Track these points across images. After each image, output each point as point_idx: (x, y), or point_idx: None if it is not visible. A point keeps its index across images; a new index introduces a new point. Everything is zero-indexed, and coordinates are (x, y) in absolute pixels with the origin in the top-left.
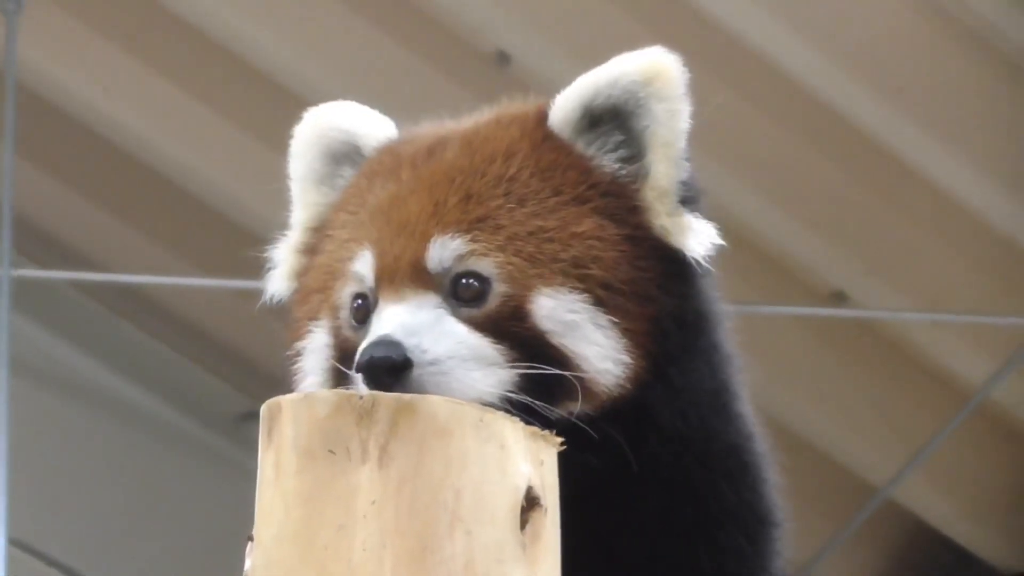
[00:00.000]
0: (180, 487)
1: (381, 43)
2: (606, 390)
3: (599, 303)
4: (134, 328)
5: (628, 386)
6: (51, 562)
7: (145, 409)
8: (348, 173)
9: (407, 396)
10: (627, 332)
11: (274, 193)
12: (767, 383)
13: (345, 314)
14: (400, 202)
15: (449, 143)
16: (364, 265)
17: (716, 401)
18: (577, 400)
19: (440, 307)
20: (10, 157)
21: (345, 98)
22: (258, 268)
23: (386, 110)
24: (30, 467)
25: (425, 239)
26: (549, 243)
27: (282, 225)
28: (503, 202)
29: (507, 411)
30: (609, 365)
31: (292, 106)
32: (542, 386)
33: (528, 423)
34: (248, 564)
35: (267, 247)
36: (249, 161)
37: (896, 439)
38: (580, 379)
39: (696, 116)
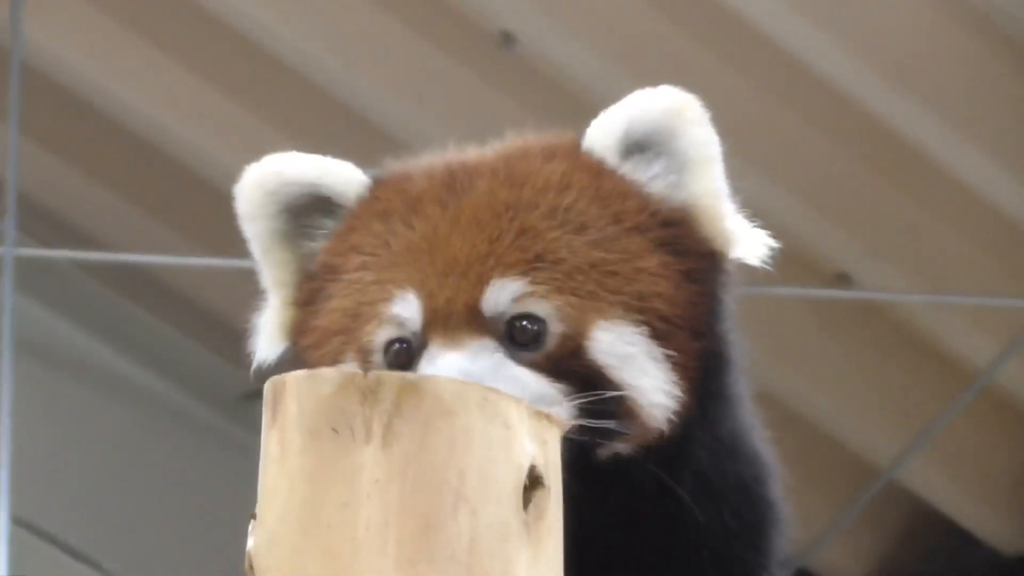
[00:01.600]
0: (183, 466)
1: (382, 21)
2: (657, 425)
3: (656, 336)
4: (137, 308)
5: (676, 421)
6: (54, 541)
7: (148, 388)
8: (324, 223)
9: (411, 375)
10: (678, 367)
11: None
12: (771, 364)
13: (379, 358)
14: (442, 240)
15: (475, 176)
16: (407, 309)
17: (737, 441)
18: (628, 434)
19: (498, 351)
20: (14, 136)
21: (350, 76)
22: None
23: (386, 89)
24: (33, 446)
25: (483, 281)
26: (611, 277)
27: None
28: (560, 233)
29: (565, 451)
30: (663, 399)
31: (297, 86)
32: (598, 419)
33: (581, 467)
34: (251, 542)
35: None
36: (254, 141)
37: (900, 421)
38: (634, 411)
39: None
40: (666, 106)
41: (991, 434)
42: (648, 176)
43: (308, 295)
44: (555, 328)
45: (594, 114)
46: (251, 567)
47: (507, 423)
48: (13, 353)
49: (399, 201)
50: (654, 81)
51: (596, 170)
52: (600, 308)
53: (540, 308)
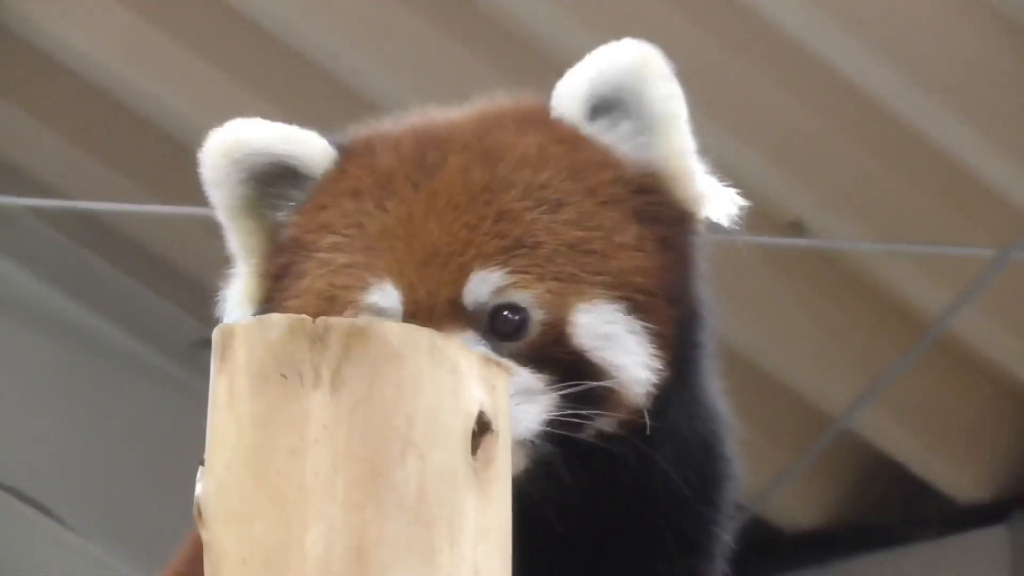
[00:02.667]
0: (138, 414)
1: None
2: (639, 401)
3: (635, 310)
4: (94, 256)
5: (656, 393)
6: (8, 489)
7: (103, 336)
8: (291, 193)
9: (359, 321)
10: (657, 336)
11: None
12: (724, 313)
13: None
14: (419, 226)
15: (447, 150)
16: (386, 299)
17: (703, 398)
18: (612, 412)
19: (480, 343)
20: None
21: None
22: None
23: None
24: None
25: (463, 273)
26: (589, 256)
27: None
28: (537, 215)
29: (548, 434)
30: (644, 373)
31: (255, 36)
32: (580, 403)
33: (566, 444)
34: (199, 489)
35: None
36: (211, 90)
37: (854, 370)
38: (618, 395)
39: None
40: (628, 62)
41: (945, 383)
42: (616, 138)
43: (278, 269)
44: (536, 316)
45: (555, 67)
46: (200, 513)
47: (455, 368)
48: None
49: (369, 179)
50: (616, 34)
51: (570, 140)
52: (580, 291)
53: (521, 297)
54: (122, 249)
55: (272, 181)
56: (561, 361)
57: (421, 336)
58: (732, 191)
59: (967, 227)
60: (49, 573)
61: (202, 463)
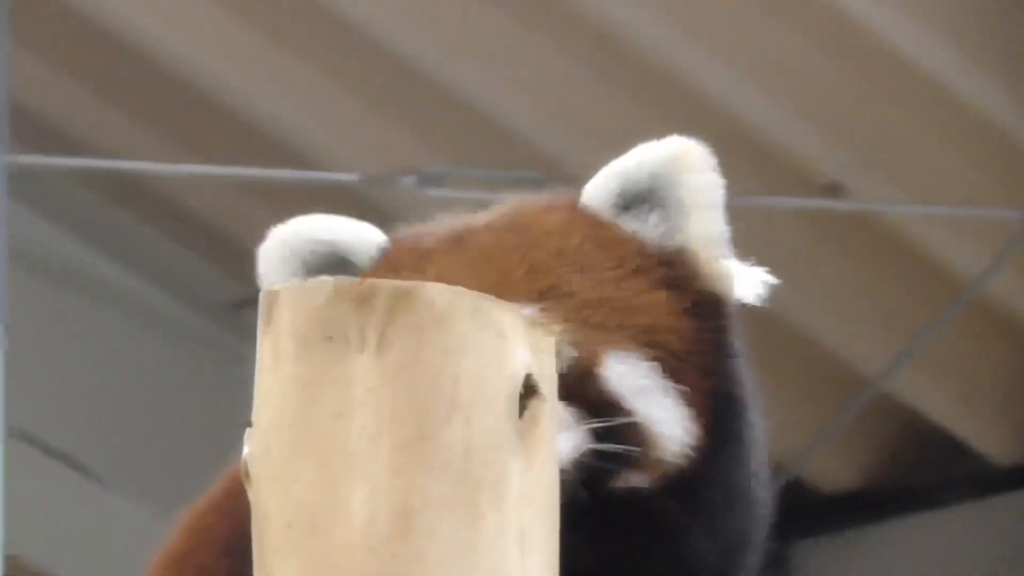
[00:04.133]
0: (176, 374)
1: None
2: (672, 457)
3: (666, 371)
4: (132, 216)
5: (693, 457)
6: (50, 451)
7: (142, 296)
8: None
9: (405, 283)
10: (691, 404)
11: (274, 86)
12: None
13: None
14: (452, 278)
15: (482, 229)
16: None
17: (746, 489)
18: (643, 468)
19: None
20: (6, 44)
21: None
22: (255, 156)
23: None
24: (26, 355)
25: None
26: (619, 312)
27: None
28: (568, 271)
29: (580, 475)
30: (678, 430)
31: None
32: (611, 451)
33: (595, 491)
34: (247, 450)
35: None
36: (249, 52)
37: (890, 332)
38: (649, 440)
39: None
40: (664, 155)
41: (982, 344)
42: (644, 226)
43: None
44: (568, 352)
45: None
46: (247, 474)
47: (501, 331)
48: (6, 261)
49: (409, 256)
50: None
51: (594, 221)
52: (612, 340)
53: (552, 332)
54: (156, 207)
55: (320, 271)
56: (593, 402)
57: (467, 299)
58: (760, 271)
59: (1003, 189)
60: (83, 529)
61: (250, 424)
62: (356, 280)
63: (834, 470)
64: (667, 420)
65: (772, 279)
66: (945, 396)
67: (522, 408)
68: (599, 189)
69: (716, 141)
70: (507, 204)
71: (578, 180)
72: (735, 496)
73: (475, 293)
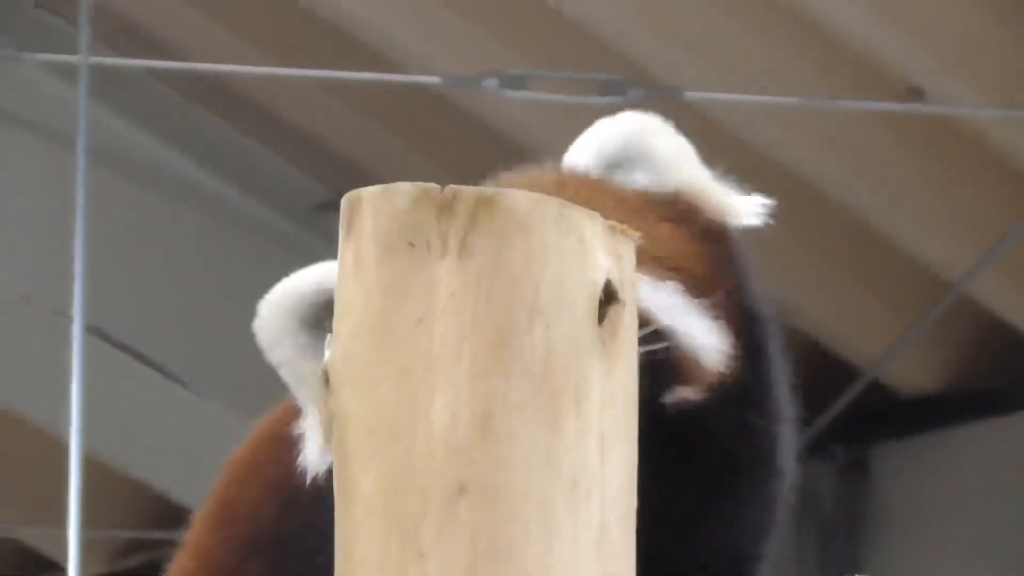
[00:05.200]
0: (257, 274)
1: None
2: (715, 366)
3: (692, 291)
4: (213, 117)
5: (734, 365)
6: (127, 349)
7: (223, 197)
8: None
9: (488, 189)
10: (721, 319)
11: None
12: (843, 179)
13: None
14: None
15: None
16: None
17: (779, 408)
18: (689, 379)
19: None
20: None
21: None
22: (337, 57)
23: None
24: (107, 255)
25: None
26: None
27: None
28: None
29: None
30: (714, 340)
31: None
32: (654, 370)
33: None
34: (327, 355)
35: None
36: None
37: (972, 236)
38: (689, 352)
39: None
40: (631, 124)
41: None
42: (634, 181)
43: None
44: None
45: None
46: (327, 379)
47: (582, 238)
48: (87, 161)
49: None
50: None
51: (585, 177)
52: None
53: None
54: (238, 109)
55: (320, 321)
56: None
57: (549, 205)
58: (756, 196)
59: None
60: (170, 433)
61: (331, 331)
62: (436, 186)
63: (914, 374)
64: (701, 330)
65: (767, 203)
66: None
67: (602, 314)
68: (577, 155)
69: (798, 45)
70: (493, 181)
71: (659, 84)
72: (770, 416)
73: (558, 200)
